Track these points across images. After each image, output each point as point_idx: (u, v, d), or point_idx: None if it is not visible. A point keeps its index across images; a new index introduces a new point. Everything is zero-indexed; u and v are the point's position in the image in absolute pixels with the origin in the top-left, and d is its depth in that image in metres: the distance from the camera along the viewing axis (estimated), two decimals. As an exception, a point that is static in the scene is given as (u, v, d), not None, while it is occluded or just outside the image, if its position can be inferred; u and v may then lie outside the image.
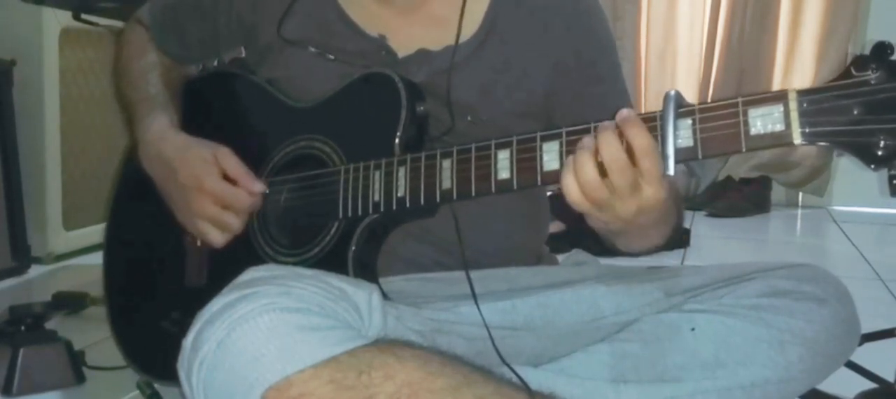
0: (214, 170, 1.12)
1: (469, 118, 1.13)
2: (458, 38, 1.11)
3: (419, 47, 1.14)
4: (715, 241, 3.01)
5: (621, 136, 0.83)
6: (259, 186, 1.12)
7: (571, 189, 0.85)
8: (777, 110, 0.79)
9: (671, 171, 0.82)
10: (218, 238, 1.14)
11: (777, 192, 3.65)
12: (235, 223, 1.13)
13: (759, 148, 0.81)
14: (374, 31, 1.16)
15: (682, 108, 0.83)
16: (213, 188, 1.11)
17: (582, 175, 0.84)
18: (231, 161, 1.12)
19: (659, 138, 0.83)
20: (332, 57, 1.16)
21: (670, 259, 2.50)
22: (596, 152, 0.83)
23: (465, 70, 1.14)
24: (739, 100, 0.81)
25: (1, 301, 1.74)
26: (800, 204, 3.72)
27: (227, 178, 1.12)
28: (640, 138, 0.82)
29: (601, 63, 1.20)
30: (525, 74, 1.15)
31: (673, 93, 0.83)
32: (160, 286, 1.25)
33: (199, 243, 1.18)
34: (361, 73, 1.10)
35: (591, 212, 0.87)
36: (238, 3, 1.24)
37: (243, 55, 1.31)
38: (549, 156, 0.90)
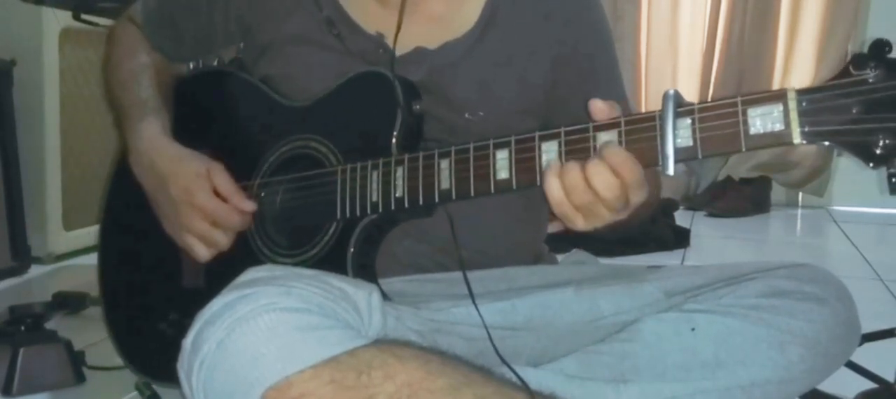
0: (206, 185, 1.12)
1: (467, 115, 1.13)
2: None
3: (416, 46, 1.14)
4: (715, 241, 3.01)
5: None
6: (249, 205, 1.12)
7: (554, 191, 0.86)
8: (776, 109, 0.79)
9: (671, 171, 0.82)
10: (204, 253, 1.14)
11: (777, 192, 3.65)
12: (223, 240, 1.13)
13: (759, 147, 0.80)
14: (372, 30, 1.16)
15: (681, 107, 0.83)
16: (205, 204, 1.12)
17: (567, 180, 0.85)
18: (223, 178, 1.13)
19: (658, 138, 0.83)
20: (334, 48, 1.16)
21: (670, 259, 2.50)
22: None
23: (462, 66, 1.13)
24: (738, 99, 0.81)
25: (1, 301, 1.74)
26: (800, 204, 3.72)
27: (217, 194, 1.12)
28: (632, 175, 0.83)
29: (599, 57, 1.20)
30: (525, 68, 1.15)
31: (672, 92, 0.83)
32: (157, 287, 1.25)
33: None
34: (356, 72, 1.10)
35: (574, 218, 0.87)
36: (235, 1, 1.23)
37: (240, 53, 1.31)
38: (549, 155, 0.90)
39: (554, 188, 0.86)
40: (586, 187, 0.84)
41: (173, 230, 1.17)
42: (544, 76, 1.16)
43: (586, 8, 1.19)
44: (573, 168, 0.85)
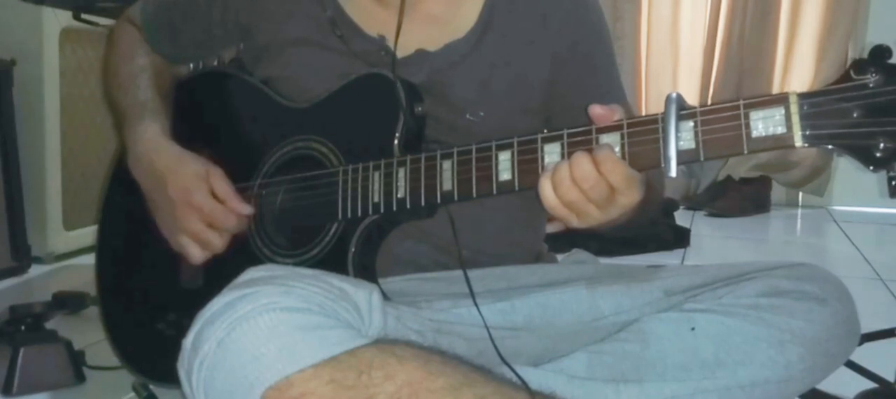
0: (205, 186, 1.12)
1: (468, 115, 1.13)
2: None
3: (417, 48, 1.14)
4: (715, 241, 3.01)
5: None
6: (246, 208, 1.13)
7: (546, 192, 0.88)
8: (778, 113, 0.80)
9: (673, 173, 0.83)
10: (197, 255, 1.14)
11: (777, 192, 3.65)
12: (217, 242, 1.13)
13: (761, 150, 0.82)
14: (373, 32, 1.16)
15: (683, 110, 0.84)
16: (202, 204, 1.12)
17: (556, 174, 0.87)
18: (221, 181, 1.13)
19: (660, 140, 0.83)
20: (335, 49, 1.16)
21: (670, 259, 2.50)
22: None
23: (463, 67, 1.14)
24: (741, 102, 0.82)
25: (1, 301, 1.74)
26: (800, 204, 3.72)
27: (215, 197, 1.12)
28: (615, 175, 0.85)
29: (597, 54, 1.20)
30: (524, 68, 1.15)
31: (675, 95, 0.84)
32: (155, 288, 1.25)
33: None
34: (358, 73, 1.10)
35: (567, 217, 0.89)
36: (234, 3, 1.23)
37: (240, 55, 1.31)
38: (551, 157, 0.90)
39: (546, 187, 0.88)
40: (572, 182, 0.85)
41: (169, 231, 1.17)
42: (543, 75, 1.16)
43: (584, 7, 1.19)
44: (562, 163, 0.87)
